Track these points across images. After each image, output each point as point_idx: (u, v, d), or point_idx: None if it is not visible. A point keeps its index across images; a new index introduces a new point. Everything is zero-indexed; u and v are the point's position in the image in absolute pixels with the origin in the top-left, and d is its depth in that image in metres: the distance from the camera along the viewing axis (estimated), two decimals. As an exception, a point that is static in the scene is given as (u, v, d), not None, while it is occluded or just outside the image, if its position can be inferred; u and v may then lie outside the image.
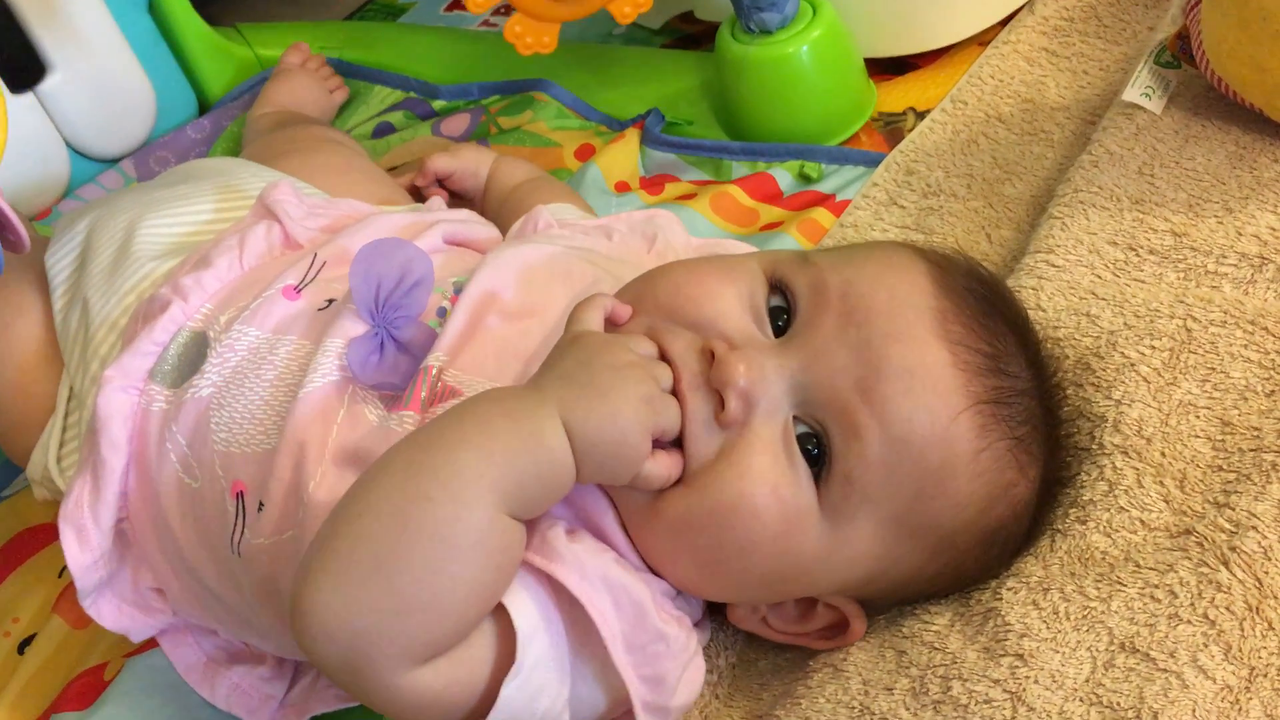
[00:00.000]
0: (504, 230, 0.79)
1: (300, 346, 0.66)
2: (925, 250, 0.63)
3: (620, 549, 0.60)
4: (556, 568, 0.56)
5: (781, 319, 0.60)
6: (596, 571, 0.57)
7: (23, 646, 0.80)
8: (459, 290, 0.67)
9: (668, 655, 0.58)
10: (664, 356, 0.58)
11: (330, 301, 0.68)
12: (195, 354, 0.68)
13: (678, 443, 0.57)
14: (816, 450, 0.57)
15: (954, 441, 0.57)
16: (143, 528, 0.69)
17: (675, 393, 0.57)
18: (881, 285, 0.59)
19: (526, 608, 0.56)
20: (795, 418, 0.58)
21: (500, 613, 0.55)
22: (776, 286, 0.61)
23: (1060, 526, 0.63)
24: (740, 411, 0.57)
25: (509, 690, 0.54)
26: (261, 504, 0.62)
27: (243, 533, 0.63)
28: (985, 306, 0.60)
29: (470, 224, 0.78)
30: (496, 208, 0.92)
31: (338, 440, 0.61)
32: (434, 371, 0.62)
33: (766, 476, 0.56)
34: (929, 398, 0.56)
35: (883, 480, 0.57)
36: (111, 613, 0.70)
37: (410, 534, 0.51)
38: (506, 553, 0.54)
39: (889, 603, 0.63)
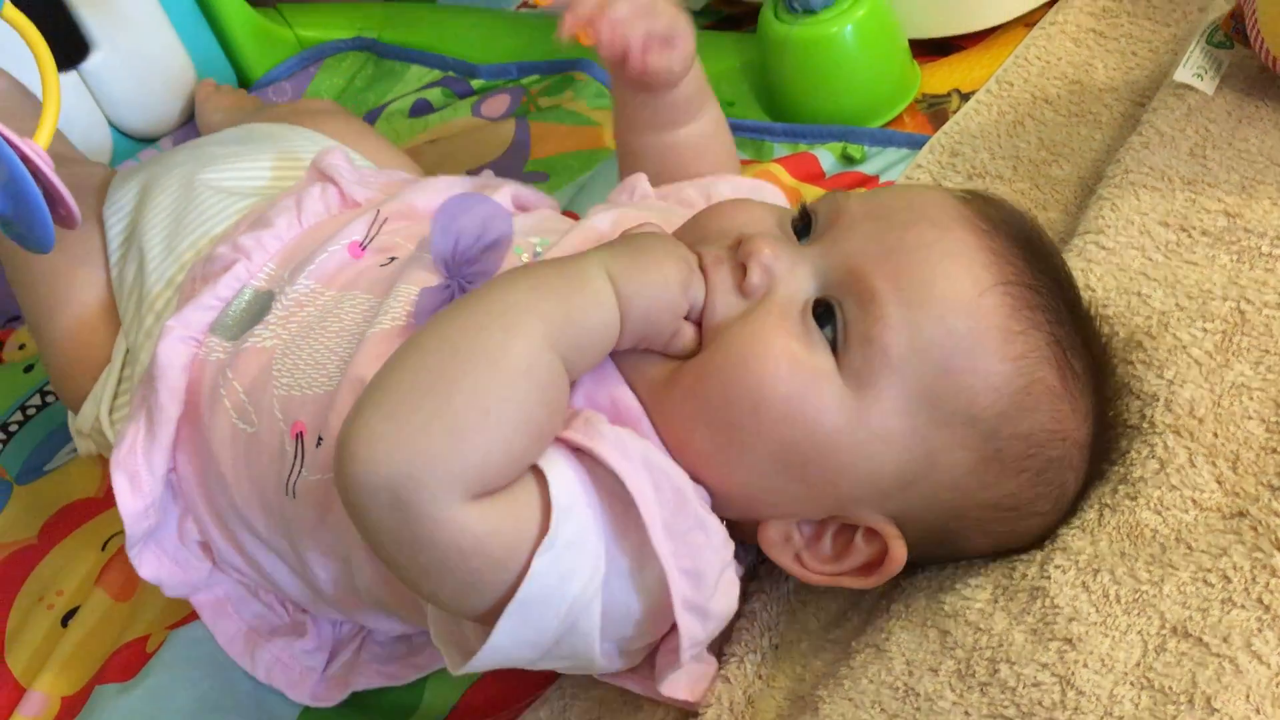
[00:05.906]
0: None
1: (366, 300, 0.67)
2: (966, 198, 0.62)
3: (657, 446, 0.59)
4: (598, 445, 0.55)
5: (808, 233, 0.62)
6: (638, 453, 0.56)
7: (66, 619, 0.80)
8: (541, 253, 0.66)
9: (708, 546, 0.57)
10: (700, 266, 0.60)
11: (391, 259, 0.68)
12: (258, 310, 0.69)
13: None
14: (831, 320, 0.57)
15: (981, 312, 0.56)
16: (190, 481, 0.69)
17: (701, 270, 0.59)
18: (903, 196, 0.62)
19: (566, 481, 0.55)
20: (816, 301, 0.59)
21: (542, 483, 0.54)
22: (804, 215, 0.63)
23: (1110, 502, 0.62)
24: (762, 281, 0.58)
25: (541, 564, 0.53)
26: (320, 439, 0.63)
27: (300, 472, 0.63)
28: (1025, 242, 0.59)
29: (537, 192, 0.78)
30: None
31: None
32: None
33: (778, 335, 0.57)
34: (948, 264, 0.57)
35: (906, 342, 0.56)
36: (151, 562, 0.70)
37: (461, 358, 0.52)
38: (553, 389, 0.54)
39: (935, 539, 0.60)
